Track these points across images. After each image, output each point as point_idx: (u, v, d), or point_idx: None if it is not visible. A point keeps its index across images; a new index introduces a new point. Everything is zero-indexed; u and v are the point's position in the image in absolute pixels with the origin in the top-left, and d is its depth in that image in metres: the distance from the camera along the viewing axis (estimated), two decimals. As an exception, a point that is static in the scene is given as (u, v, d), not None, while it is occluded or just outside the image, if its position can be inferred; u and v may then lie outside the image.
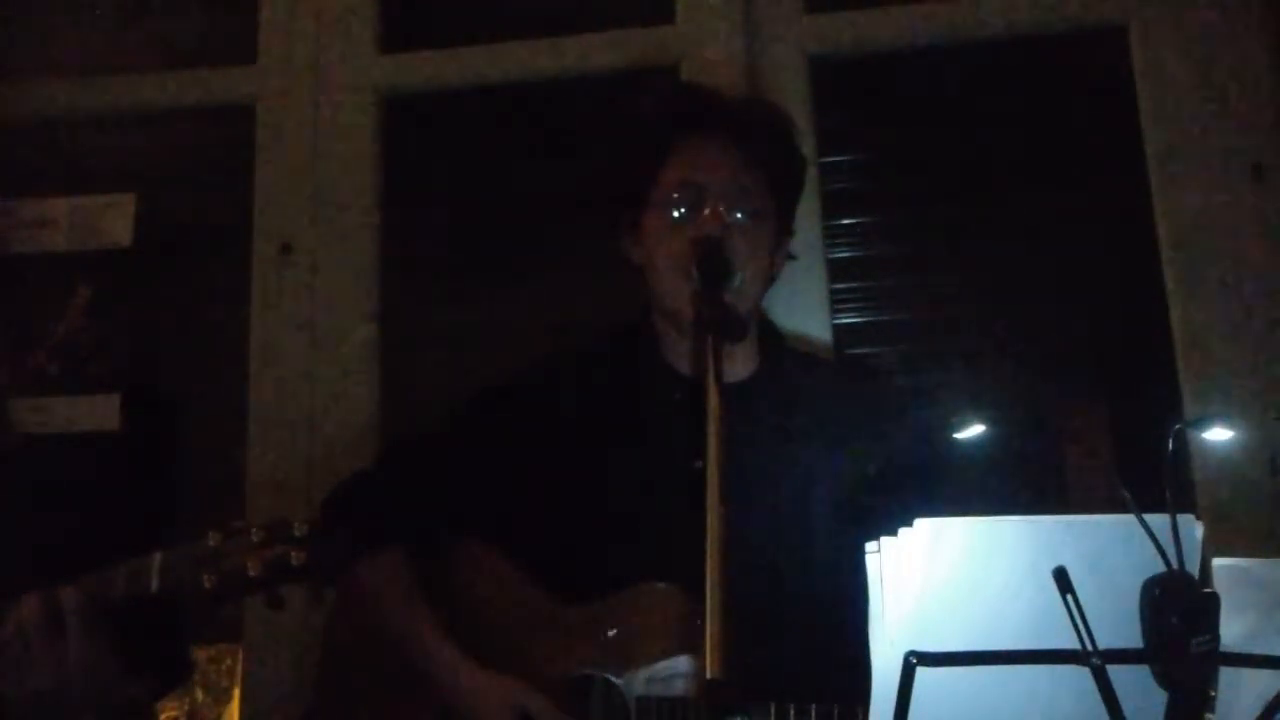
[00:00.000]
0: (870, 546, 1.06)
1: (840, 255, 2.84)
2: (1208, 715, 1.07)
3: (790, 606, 1.81)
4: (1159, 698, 1.04)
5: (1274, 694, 1.06)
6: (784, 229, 2.00)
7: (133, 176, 3.00)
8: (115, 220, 2.91)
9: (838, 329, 2.77)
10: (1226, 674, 1.08)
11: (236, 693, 3.12)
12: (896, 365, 2.85)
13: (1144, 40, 2.76)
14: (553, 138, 3.02)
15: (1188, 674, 1.03)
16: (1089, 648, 1.02)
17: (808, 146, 2.32)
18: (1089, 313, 2.84)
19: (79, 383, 2.87)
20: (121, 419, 2.81)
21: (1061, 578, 1.03)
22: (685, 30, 2.90)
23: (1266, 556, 1.12)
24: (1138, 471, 2.47)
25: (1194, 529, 1.05)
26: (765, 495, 1.86)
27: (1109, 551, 1.05)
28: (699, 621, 1.22)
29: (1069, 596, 1.02)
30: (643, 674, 1.73)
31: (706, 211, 1.87)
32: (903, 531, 1.05)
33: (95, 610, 1.53)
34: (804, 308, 2.69)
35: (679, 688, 1.71)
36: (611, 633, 1.80)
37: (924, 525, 1.05)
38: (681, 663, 1.72)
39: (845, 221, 2.87)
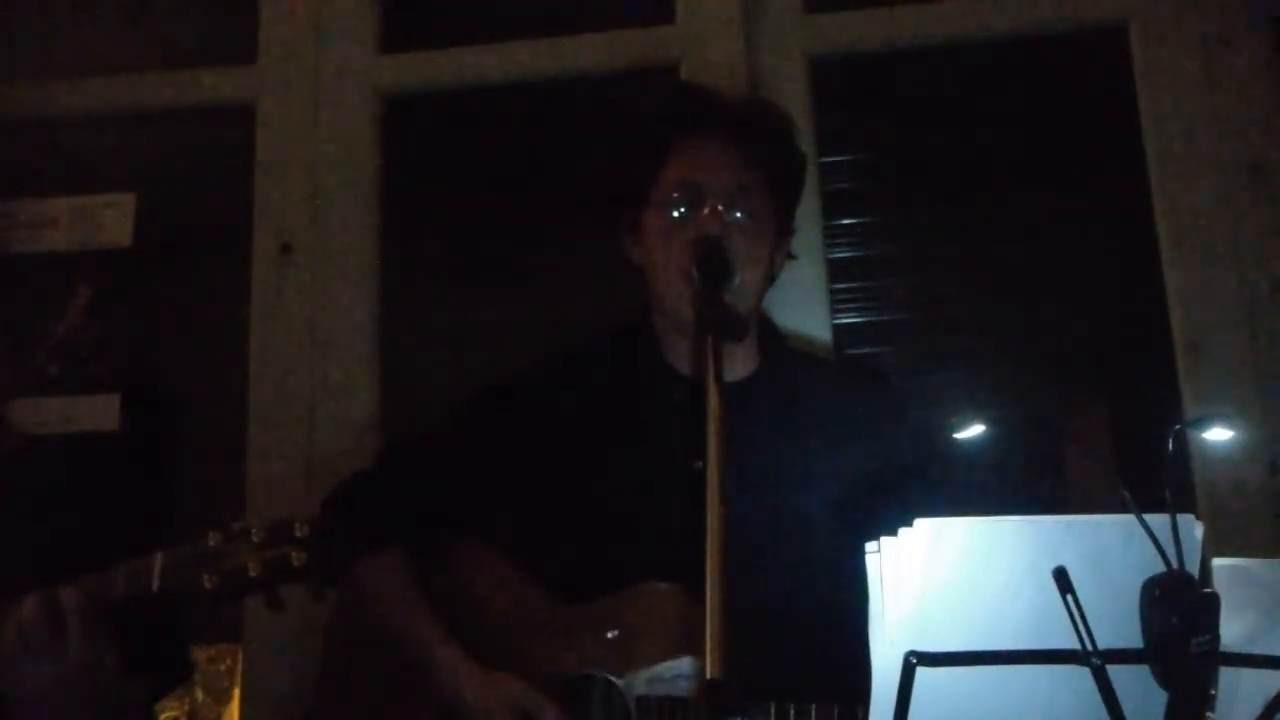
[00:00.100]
0: (870, 546, 1.06)
1: (840, 255, 2.84)
2: (1208, 715, 1.07)
3: (790, 606, 1.81)
4: (1159, 698, 1.04)
5: (1274, 694, 1.06)
6: (784, 229, 2.00)
7: (133, 176, 3.00)
8: (115, 220, 2.91)
9: (838, 329, 2.77)
10: (1226, 674, 1.08)
11: (236, 693, 3.12)
12: (896, 365, 2.84)
13: (1144, 40, 2.76)
14: (553, 138, 3.02)
15: (1188, 674, 1.03)
16: (1089, 648, 1.02)
17: (808, 146, 2.32)
18: (1089, 313, 2.84)
19: (79, 383, 2.87)
20: (121, 419, 2.81)
21: (1061, 578, 1.03)
22: (685, 30, 2.90)
23: (1266, 556, 1.12)
24: (1138, 471, 2.48)
25: (1194, 529, 1.05)
26: (765, 495, 1.86)
27: (1109, 551, 1.05)
28: (699, 622, 1.21)
29: (1069, 596, 1.02)
30: (644, 674, 1.73)
31: (706, 211, 1.87)
32: (903, 531, 1.05)
33: (95, 610, 1.53)
34: (804, 308, 2.69)
35: (680, 688, 1.71)
36: (612, 633, 1.79)
37: (924, 525, 1.05)
38: (683, 663, 1.72)
39: (845, 221, 2.87)
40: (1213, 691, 1.08)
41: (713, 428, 1.38)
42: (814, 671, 1.62)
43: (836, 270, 2.81)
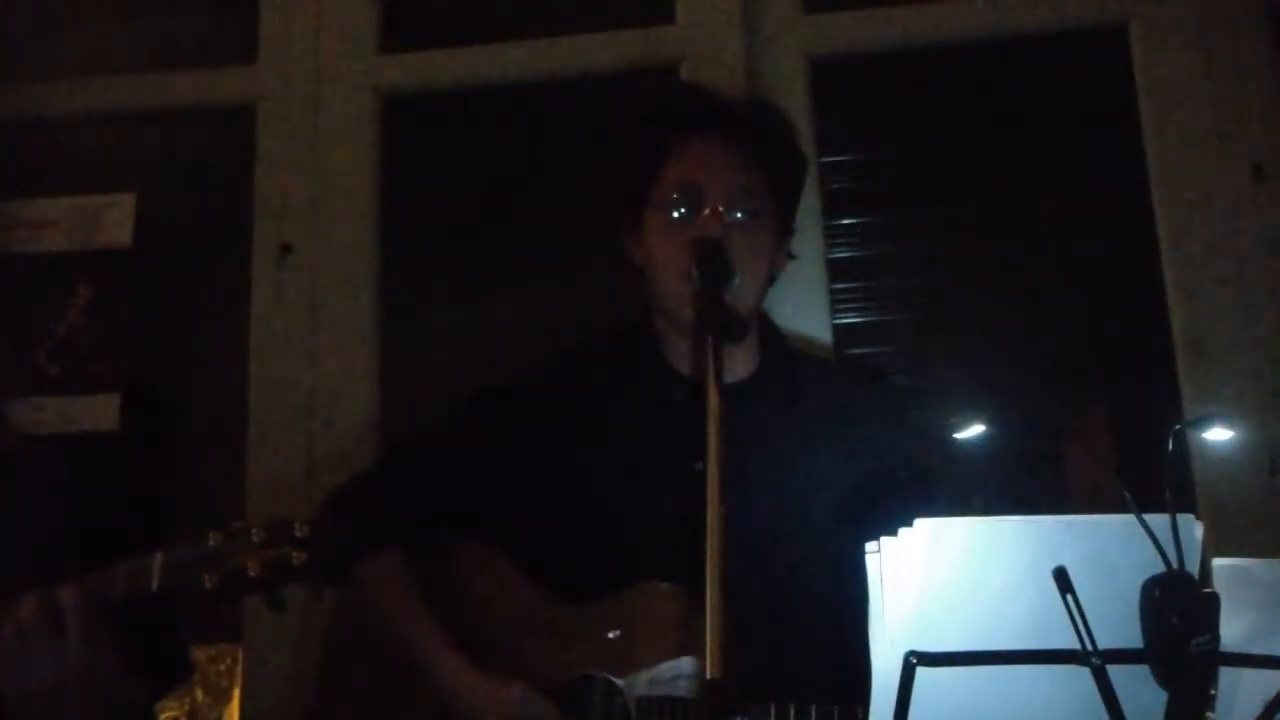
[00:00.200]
0: (870, 546, 1.06)
1: (840, 255, 2.84)
2: (1208, 715, 1.07)
3: (790, 606, 1.81)
4: (1159, 698, 1.04)
5: (1274, 694, 1.06)
6: (784, 229, 2.00)
7: (133, 176, 3.00)
8: (115, 220, 2.91)
9: (838, 329, 2.78)
10: (1226, 674, 1.08)
11: (236, 693, 3.12)
12: (896, 365, 2.84)
13: (1144, 40, 2.76)
14: (553, 138, 3.02)
15: (1188, 674, 1.03)
16: (1089, 648, 1.02)
17: (808, 146, 2.33)
18: (1089, 313, 2.83)
19: (79, 383, 2.87)
20: (121, 419, 2.82)
21: (1061, 578, 1.03)
22: (685, 30, 2.90)
23: (1266, 556, 1.12)
24: (1138, 471, 2.47)
25: (1194, 529, 1.05)
26: (766, 495, 1.86)
27: (1109, 551, 1.05)
28: (700, 622, 1.21)
29: (1069, 596, 1.02)
30: (644, 675, 1.73)
31: (707, 212, 1.87)
32: (903, 531, 1.05)
33: (95, 610, 1.53)
34: (804, 308, 2.69)
35: (681, 689, 1.71)
36: (614, 634, 1.79)
37: (924, 525, 1.05)
38: (683, 664, 1.72)
39: (845, 221, 2.87)
40: (1213, 692, 1.08)
41: (713, 428, 1.38)
42: (814, 671, 1.62)
43: (836, 270, 2.81)
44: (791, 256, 2.06)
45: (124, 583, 1.53)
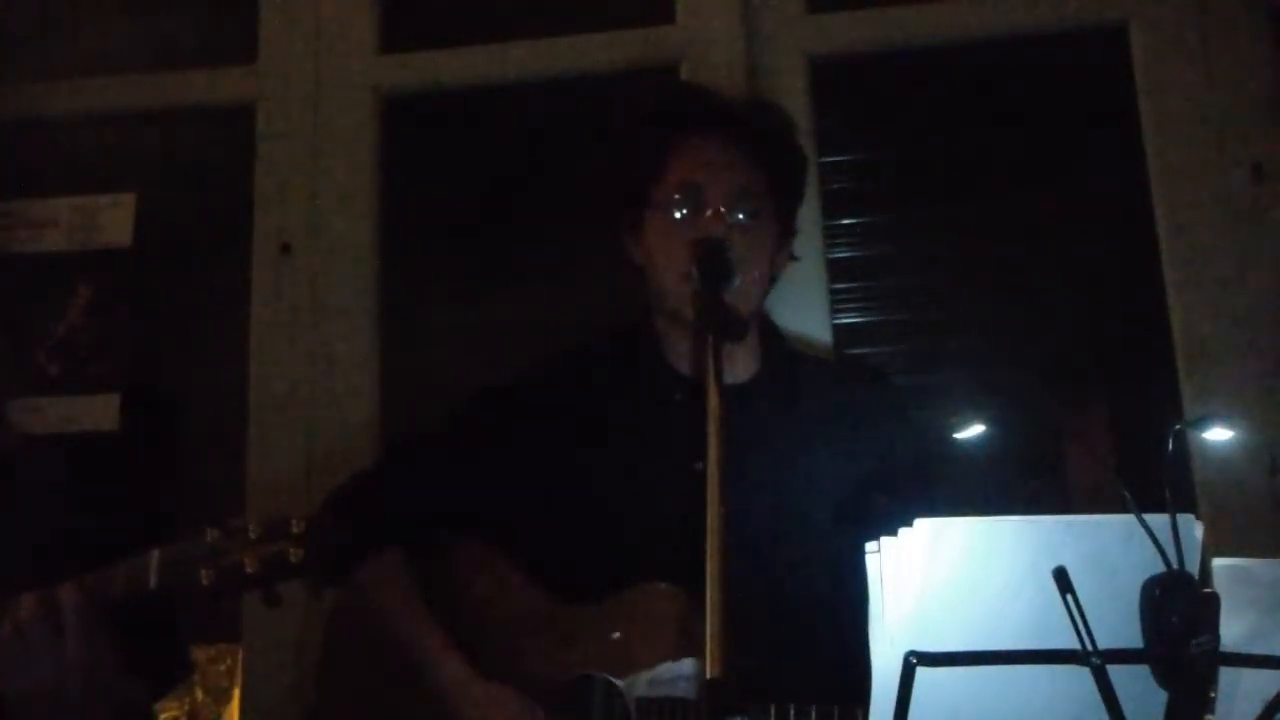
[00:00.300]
0: (870, 546, 1.06)
1: (840, 255, 2.84)
2: (1207, 715, 1.07)
3: (790, 606, 1.81)
4: (1159, 698, 1.04)
5: (1274, 694, 1.06)
6: (786, 229, 2.00)
7: (133, 176, 3.00)
8: (115, 220, 2.91)
9: (838, 329, 2.78)
10: (1226, 674, 1.08)
11: (236, 693, 3.12)
12: (896, 365, 2.84)
13: (1144, 40, 2.76)
14: (553, 138, 3.02)
15: (1188, 674, 1.03)
16: (1089, 648, 1.02)
17: (808, 146, 2.32)
18: (1089, 313, 2.83)
19: (79, 383, 2.87)
20: (121, 419, 2.82)
21: (1061, 578, 1.03)
22: (685, 30, 2.90)
23: (1266, 556, 1.12)
24: (1138, 471, 2.48)
25: (1194, 529, 1.05)
26: (766, 496, 1.86)
27: (1109, 551, 1.05)
28: (700, 623, 1.21)
29: (1069, 596, 1.02)
30: (644, 676, 1.73)
31: (708, 213, 1.87)
32: (903, 531, 1.05)
33: (94, 609, 1.53)
34: (804, 308, 2.69)
35: (681, 689, 1.71)
36: (615, 634, 1.79)
37: (924, 525, 1.05)
38: (684, 664, 1.72)
39: (845, 221, 2.87)
40: (1213, 692, 1.08)
41: (713, 428, 1.38)
42: (814, 672, 1.62)
43: (836, 270, 2.81)
44: (793, 258, 2.06)
45: (122, 581, 1.53)
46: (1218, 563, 1.11)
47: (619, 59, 2.93)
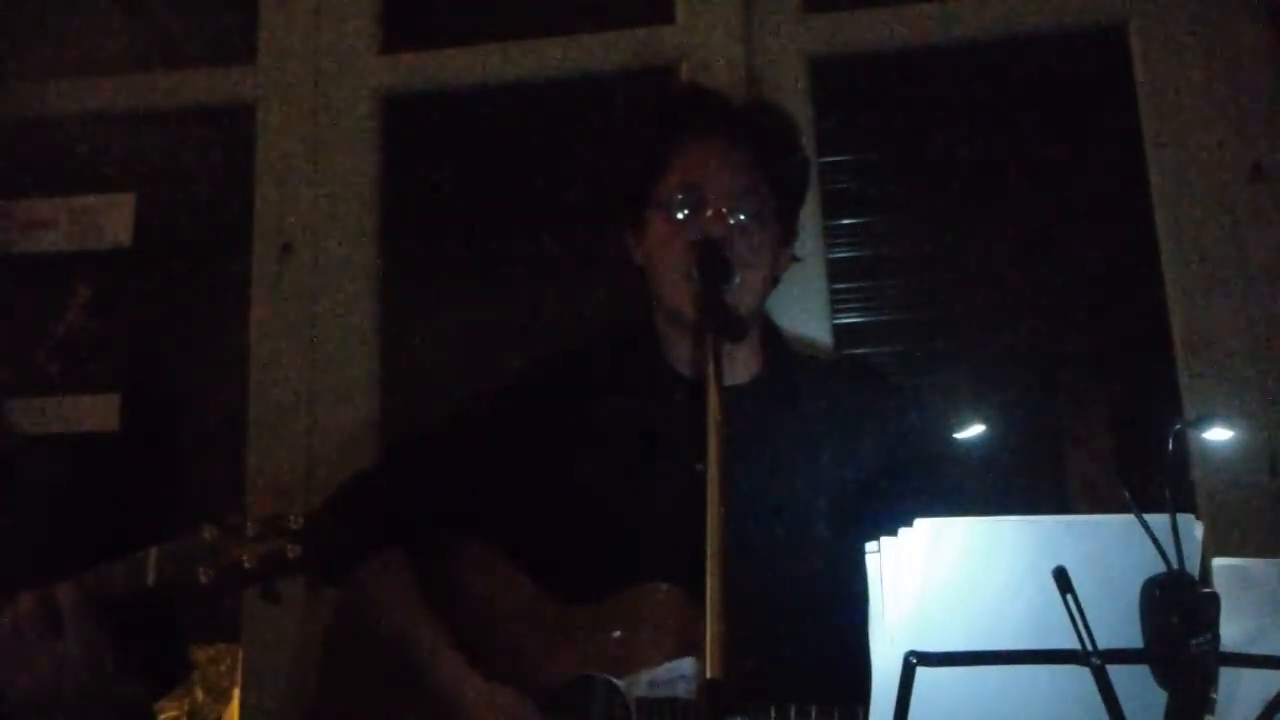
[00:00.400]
0: (870, 546, 1.06)
1: (840, 255, 2.84)
2: (1207, 715, 1.07)
3: (790, 607, 1.80)
4: (1159, 698, 1.04)
5: (1274, 694, 1.06)
6: (787, 230, 2.00)
7: (133, 176, 3.00)
8: (115, 220, 2.91)
9: (838, 329, 2.77)
10: (1226, 674, 1.08)
11: (236, 693, 3.12)
12: (896, 365, 2.84)
13: (1144, 40, 2.76)
14: (553, 138, 3.02)
15: (1188, 674, 1.03)
16: (1089, 648, 1.02)
17: (808, 146, 2.32)
18: (1089, 312, 2.84)
19: (79, 383, 2.87)
20: (121, 419, 2.82)
21: (1061, 578, 1.03)
22: (685, 30, 2.90)
23: (1266, 556, 1.12)
24: (1138, 471, 2.48)
25: (1194, 529, 1.05)
26: (766, 496, 1.86)
27: (1109, 551, 1.05)
28: (700, 623, 1.21)
29: (1069, 596, 1.02)
30: (644, 676, 1.73)
31: (709, 213, 1.87)
32: (903, 531, 1.05)
33: (93, 608, 1.53)
34: (804, 308, 2.69)
35: (681, 689, 1.71)
36: (616, 634, 1.79)
37: (924, 525, 1.05)
38: (684, 665, 1.72)
39: (845, 221, 2.87)
40: (1213, 692, 1.08)
41: (713, 428, 1.38)
42: (814, 672, 1.62)
43: (836, 270, 2.81)
44: (795, 258, 2.06)
45: (121, 579, 1.53)
46: (1218, 563, 1.11)
47: (619, 59, 2.92)
